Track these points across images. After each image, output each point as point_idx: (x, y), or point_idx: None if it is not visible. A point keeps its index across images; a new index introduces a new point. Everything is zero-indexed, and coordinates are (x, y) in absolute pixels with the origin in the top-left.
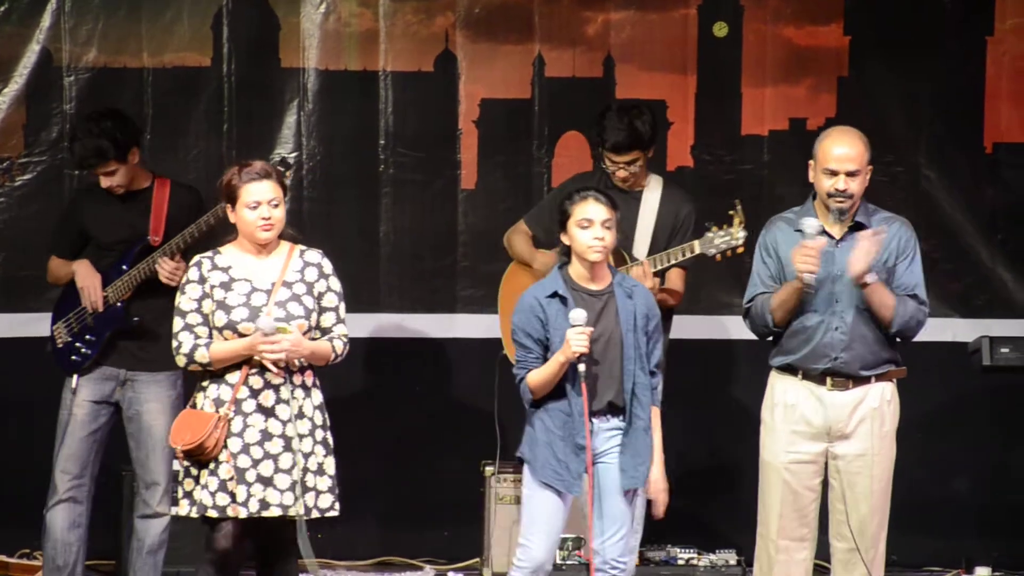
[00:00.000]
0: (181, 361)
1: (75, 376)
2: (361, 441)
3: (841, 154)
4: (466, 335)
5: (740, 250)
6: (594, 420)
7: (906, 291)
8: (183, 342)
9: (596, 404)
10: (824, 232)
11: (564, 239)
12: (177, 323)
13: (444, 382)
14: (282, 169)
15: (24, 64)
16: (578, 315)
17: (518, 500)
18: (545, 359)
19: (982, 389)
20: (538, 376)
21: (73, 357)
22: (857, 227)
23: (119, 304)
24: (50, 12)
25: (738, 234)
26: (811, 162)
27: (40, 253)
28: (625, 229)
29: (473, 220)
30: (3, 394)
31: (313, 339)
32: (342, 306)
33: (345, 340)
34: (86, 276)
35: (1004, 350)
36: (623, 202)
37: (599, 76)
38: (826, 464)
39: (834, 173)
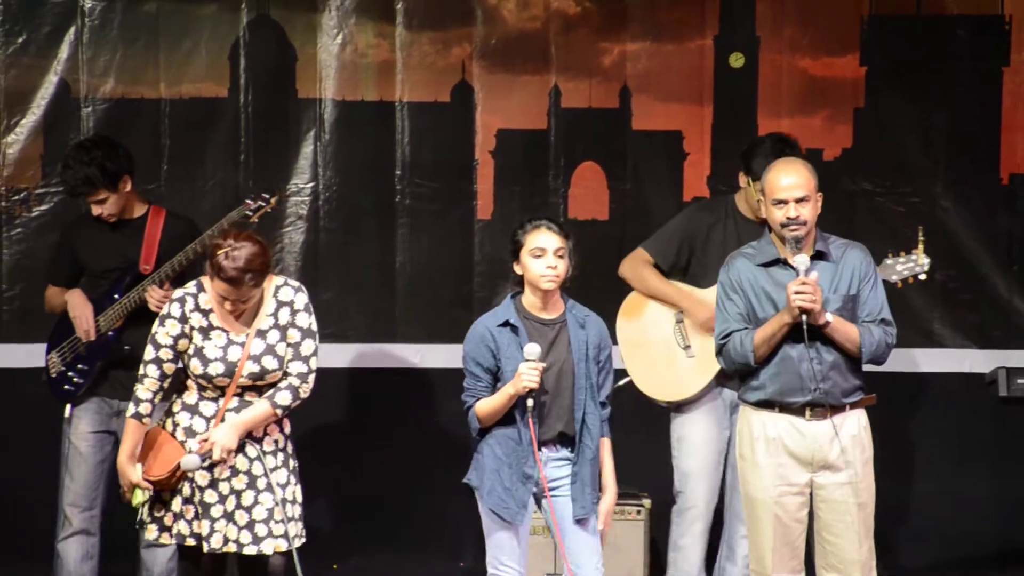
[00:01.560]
0: (135, 392)
1: (69, 406)
2: (378, 472)
3: (788, 183)
4: None
5: (923, 277)
6: (543, 450)
7: (872, 316)
8: (148, 375)
9: (547, 433)
10: (787, 265)
11: (516, 268)
12: (149, 352)
13: (460, 412)
14: (268, 195)
15: (42, 95)
16: (532, 350)
17: (533, 531)
18: (495, 388)
19: (999, 420)
20: (486, 406)
21: (66, 387)
22: (818, 256)
23: (111, 333)
24: (68, 43)
25: (923, 260)
26: (760, 198)
27: None
28: None
29: (489, 250)
30: (22, 422)
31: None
32: (306, 343)
33: (300, 381)
34: (78, 306)
35: (1021, 381)
36: (758, 233)
37: (615, 107)
38: (811, 495)
39: (783, 202)
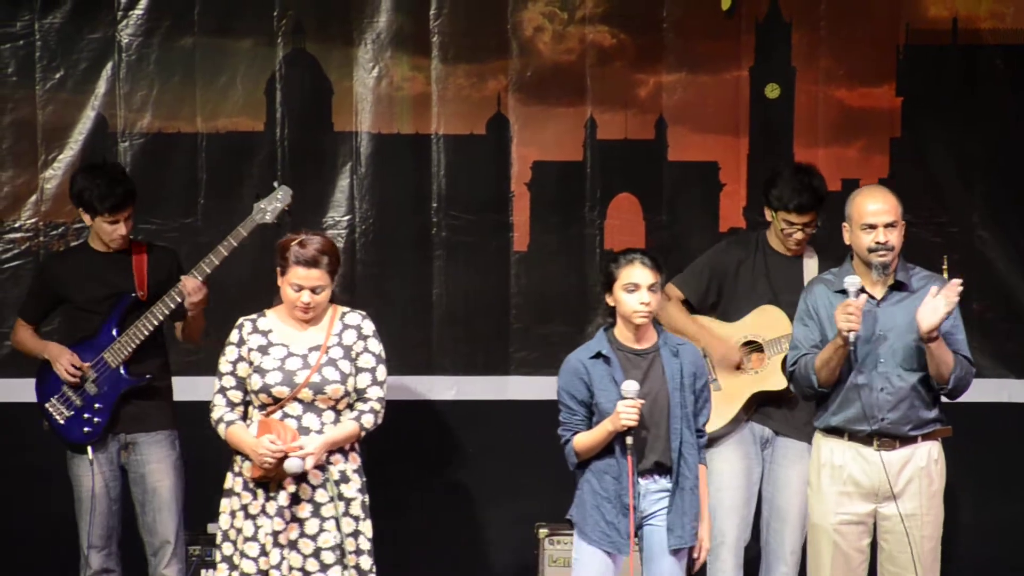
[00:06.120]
0: (212, 421)
1: (90, 448)
2: (413, 503)
3: (877, 208)
4: (519, 397)
5: None
6: (641, 481)
7: (953, 349)
8: (216, 405)
9: (643, 464)
10: (863, 292)
11: (609, 300)
12: (215, 384)
13: (497, 444)
14: (276, 185)
15: (79, 130)
16: (630, 387)
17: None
18: (590, 420)
19: None
20: (584, 441)
21: (86, 429)
22: (898, 286)
23: (121, 367)
24: (105, 78)
25: None
26: (845, 224)
27: None
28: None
29: (526, 282)
30: (38, 459)
31: (350, 404)
32: (380, 368)
33: (380, 406)
34: (58, 356)
35: None
36: (787, 267)
37: (651, 138)
38: (874, 525)
39: (872, 227)
